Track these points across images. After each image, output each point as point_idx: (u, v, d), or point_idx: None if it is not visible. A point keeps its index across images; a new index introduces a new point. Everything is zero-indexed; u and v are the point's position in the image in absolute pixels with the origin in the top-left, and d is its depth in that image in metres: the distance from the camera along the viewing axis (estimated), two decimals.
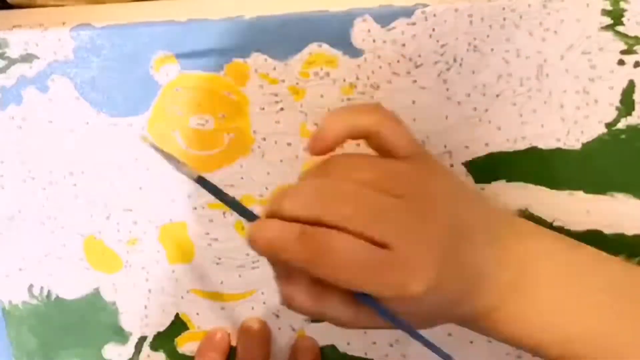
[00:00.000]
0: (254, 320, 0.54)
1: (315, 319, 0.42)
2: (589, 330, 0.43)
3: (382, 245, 0.39)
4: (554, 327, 0.43)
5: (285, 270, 0.41)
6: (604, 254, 0.45)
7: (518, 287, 0.42)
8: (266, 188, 0.52)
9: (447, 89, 0.49)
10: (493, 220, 0.44)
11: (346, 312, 0.41)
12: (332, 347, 0.54)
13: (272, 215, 0.40)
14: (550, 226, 0.50)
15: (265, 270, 0.53)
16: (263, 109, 0.50)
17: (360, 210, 0.39)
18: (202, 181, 0.43)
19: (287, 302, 0.42)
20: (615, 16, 0.47)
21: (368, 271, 0.38)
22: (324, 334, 0.54)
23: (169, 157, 0.43)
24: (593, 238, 0.50)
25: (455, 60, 0.49)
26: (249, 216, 0.42)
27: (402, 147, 0.42)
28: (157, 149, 0.43)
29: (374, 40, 0.48)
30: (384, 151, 0.42)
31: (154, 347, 0.55)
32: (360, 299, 0.40)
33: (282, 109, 0.50)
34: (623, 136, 0.49)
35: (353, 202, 0.39)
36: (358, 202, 0.39)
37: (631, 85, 0.48)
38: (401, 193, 0.40)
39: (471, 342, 0.52)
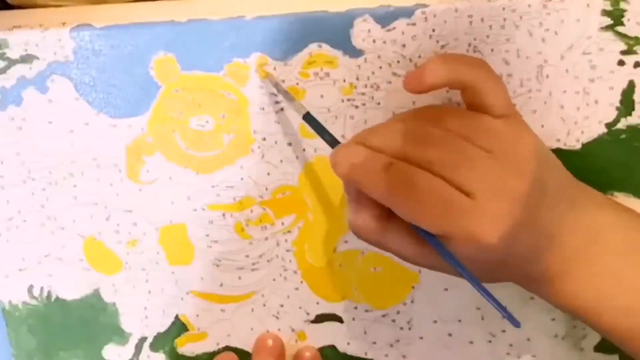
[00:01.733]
0: (269, 335, 0.54)
1: (380, 248, 0.42)
2: None
3: (464, 193, 0.40)
4: (615, 297, 0.43)
5: (357, 196, 0.42)
6: None
7: (587, 253, 0.43)
8: (266, 188, 0.52)
9: (447, 90, 0.49)
10: (573, 188, 0.45)
11: (410, 248, 0.42)
12: (332, 348, 0.54)
13: (359, 144, 0.42)
14: None
15: (265, 272, 0.53)
16: (263, 109, 0.50)
17: (448, 155, 0.40)
18: (308, 117, 0.46)
19: (354, 228, 0.43)
20: (616, 16, 0.47)
21: (446, 213, 0.39)
22: (324, 335, 0.54)
23: (282, 90, 0.47)
24: None
25: None
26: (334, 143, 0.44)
27: (498, 105, 0.43)
28: (275, 83, 0.48)
29: (374, 41, 0.48)
30: (477, 106, 0.43)
31: (154, 347, 0.55)
32: (429, 239, 0.40)
33: (282, 109, 0.50)
34: (623, 136, 0.49)
35: (442, 146, 0.40)
36: (448, 147, 0.41)
37: (631, 85, 0.48)
38: (490, 148, 0.41)
39: (471, 342, 0.52)
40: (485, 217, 0.40)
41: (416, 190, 0.39)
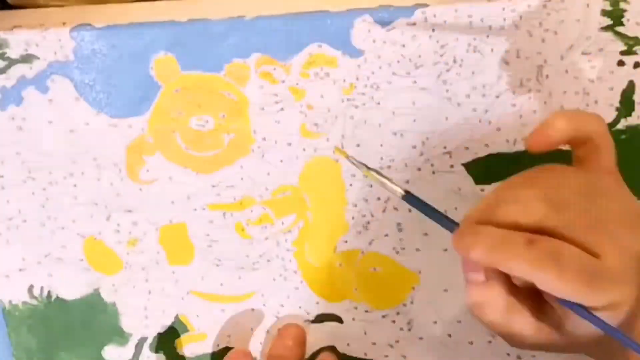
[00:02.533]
0: (293, 323, 0.54)
1: (499, 330, 0.43)
2: None
3: (592, 254, 0.40)
4: None
5: (481, 278, 0.42)
6: None
7: None
8: (266, 188, 0.52)
9: (447, 90, 0.49)
10: None
11: (531, 327, 0.42)
12: (333, 348, 0.54)
13: (483, 222, 0.41)
14: None
15: (265, 272, 0.53)
16: (263, 109, 0.50)
17: (579, 218, 0.40)
18: (409, 197, 0.43)
19: (478, 310, 0.43)
20: (615, 17, 0.47)
21: (588, 280, 0.39)
22: (324, 335, 0.54)
23: (374, 172, 0.44)
24: None
25: (455, 60, 0.49)
26: (451, 224, 0.42)
27: (611, 161, 0.43)
28: (359, 163, 0.45)
29: (374, 41, 0.48)
30: (590, 161, 0.44)
31: (154, 348, 0.55)
32: (577, 309, 0.40)
33: (282, 109, 0.50)
34: (623, 137, 0.49)
35: (573, 209, 0.40)
36: (576, 209, 0.40)
37: (631, 85, 0.48)
38: (609, 207, 0.41)
39: (471, 343, 0.52)
40: (615, 278, 0.40)
41: (560, 260, 0.39)
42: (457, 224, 0.42)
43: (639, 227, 0.42)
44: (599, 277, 0.39)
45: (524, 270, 0.40)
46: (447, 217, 0.43)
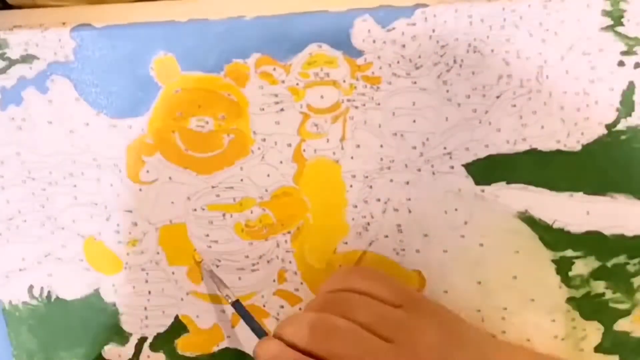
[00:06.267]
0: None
1: None
2: None
3: None
4: None
5: None
6: None
7: None
8: (266, 190, 0.52)
9: (447, 90, 0.49)
10: None
11: None
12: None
13: (277, 336, 0.45)
14: (550, 228, 0.50)
15: (265, 272, 0.53)
16: (263, 109, 0.50)
17: (350, 349, 0.43)
18: (237, 305, 0.51)
19: None
20: (616, 17, 0.47)
21: None
22: None
23: (216, 277, 0.52)
24: (593, 239, 0.50)
25: (455, 61, 0.49)
26: (260, 333, 0.48)
27: (392, 301, 0.46)
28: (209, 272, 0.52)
29: (374, 41, 0.48)
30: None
31: (154, 348, 0.55)
32: None
33: (282, 109, 0.50)
34: (623, 137, 0.49)
35: (344, 340, 0.43)
36: (349, 340, 0.43)
37: (631, 86, 0.48)
38: (392, 338, 0.44)
39: None
40: None
41: None
42: (266, 334, 0.48)
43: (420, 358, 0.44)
44: None
45: None
46: (260, 327, 0.49)
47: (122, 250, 0.54)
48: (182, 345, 0.55)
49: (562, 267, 0.50)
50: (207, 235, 0.53)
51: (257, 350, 0.45)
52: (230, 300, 0.50)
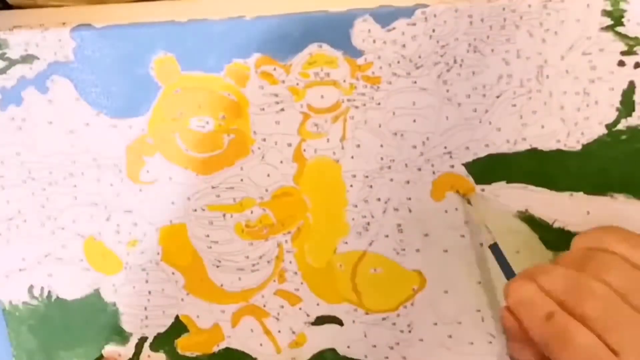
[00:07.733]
0: None
1: None
2: None
3: (612, 350, 0.40)
4: None
5: (522, 335, 0.44)
6: None
7: None
8: (266, 190, 0.52)
9: (447, 90, 0.49)
10: None
11: None
12: (333, 351, 0.54)
13: (528, 279, 0.44)
14: (550, 227, 0.50)
15: (265, 272, 0.53)
16: (263, 109, 0.50)
17: (604, 313, 0.41)
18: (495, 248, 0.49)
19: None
20: (616, 17, 0.47)
21: None
22: (324, 337, 0.54)
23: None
24: None
25: (455, 61, 0.49)
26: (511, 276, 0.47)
27: None
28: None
29: (374, 41, 0.48)
30: None
31: (154, 348, 0.55)
32: None
33: (282, 109, 0.50)
34: (623, 137, 0.49)
35: (600, 303, 0.42)
36: (604, 304, 0.42)
37: (631, 86, 0.48)
38: None
39: (471, 343, 0.52)
40: None
41: (572, 345, 0.41)
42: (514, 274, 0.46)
43: None
44: None
45: (537, 337, 0.42)
46: (511, 269, 0.47)
47: (122, 250, 0.54)
48: (183, 345, 0.55)
49: None
50: (207, 236, 0.53)
51: (508, 290, 0.44)
52: (488, 244, 0.49)
